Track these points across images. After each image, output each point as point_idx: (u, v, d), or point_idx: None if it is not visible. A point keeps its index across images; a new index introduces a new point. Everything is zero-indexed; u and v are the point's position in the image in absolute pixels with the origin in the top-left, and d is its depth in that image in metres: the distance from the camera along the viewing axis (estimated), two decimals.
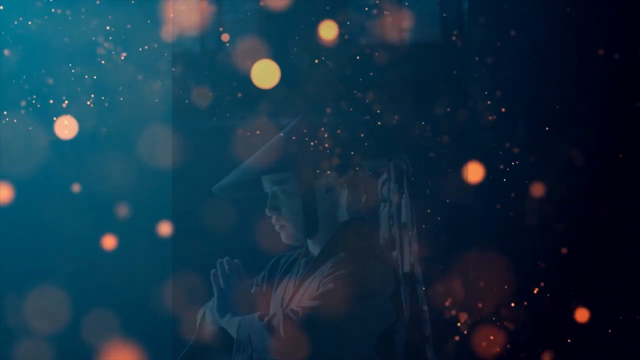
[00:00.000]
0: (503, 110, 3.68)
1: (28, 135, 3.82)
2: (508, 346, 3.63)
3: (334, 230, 2.57)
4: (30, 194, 3.78)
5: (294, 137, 2.58)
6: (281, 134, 2.62)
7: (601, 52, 3.57)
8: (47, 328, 3.77)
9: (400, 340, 2.49)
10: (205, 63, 3.90)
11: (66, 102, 3.82)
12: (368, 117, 3.72)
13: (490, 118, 3.68)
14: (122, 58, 3.81)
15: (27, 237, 3.81)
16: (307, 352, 2.33)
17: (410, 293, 2.51)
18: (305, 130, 2.57)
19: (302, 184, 2.54)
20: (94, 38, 3.81)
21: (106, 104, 3.84)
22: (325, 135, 2.55)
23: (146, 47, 3.82)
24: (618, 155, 3.58)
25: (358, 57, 3.77)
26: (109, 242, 3.83)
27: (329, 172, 2.54)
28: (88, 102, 3.83)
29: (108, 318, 3.79)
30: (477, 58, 3.70)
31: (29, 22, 3.81)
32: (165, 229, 3.87)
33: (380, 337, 2.44)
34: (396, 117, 3.74)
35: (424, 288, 2.53)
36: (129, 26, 3.80)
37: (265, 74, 3.60)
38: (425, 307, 2.52)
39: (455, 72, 3.78)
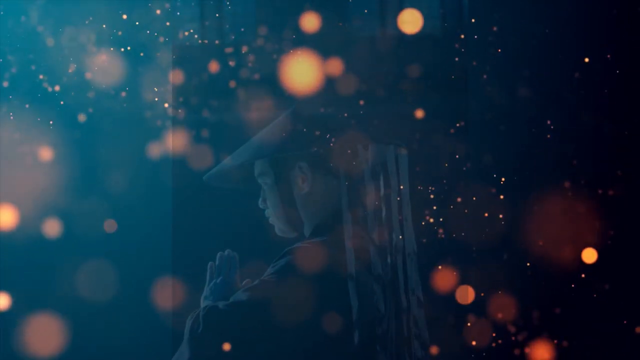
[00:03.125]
0: (502, 106, 3.69)
1: (26, 134, 3.83)
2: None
3: (320, 220, 2.44)
4: (29, 194, 3.79)
5: (276, 127, 2.48)
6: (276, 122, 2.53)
7: (602, 48, 3.59)
8: (46, 328, 3.77)
9: (344, 346, 2.26)
10: (206, 56, 3.90)
11: (63, 101, 3.83)
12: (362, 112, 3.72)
13: (490, 113, 3.70)
14: (122, 53, 3.83)
15: (26, 236, 3.82)
16: (208, 353, 2.23)
17: (371, 293, 2.31)
18: (291, 120, 2.47)
19: (277, 175, 2.45)
20: (93, 35, 3.82)
21: (105, 100, 3.85)
22: (315, 129, 2.44)
23: (146, 42, 3.83)
24: (619, 152, 3.59)
25: (358, 50, 3.78)
26: (109, 241, 3.83)
27: (300, 162, 2.42)
28: (88, 95, 3.84)
29: (108, 317, 3.79)
30: (476, 52, 3.71)
31: (28, 21, 3.82)
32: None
33: (298, 340, 2.24)
34: (394, 111, 3.76)
35: (390, 288, 2.34)
36: (127, 18, 3.82)
37: (303, 73, 3.56)
38: (381, 307, 2.29)
39: (454, 66, 3.79)
